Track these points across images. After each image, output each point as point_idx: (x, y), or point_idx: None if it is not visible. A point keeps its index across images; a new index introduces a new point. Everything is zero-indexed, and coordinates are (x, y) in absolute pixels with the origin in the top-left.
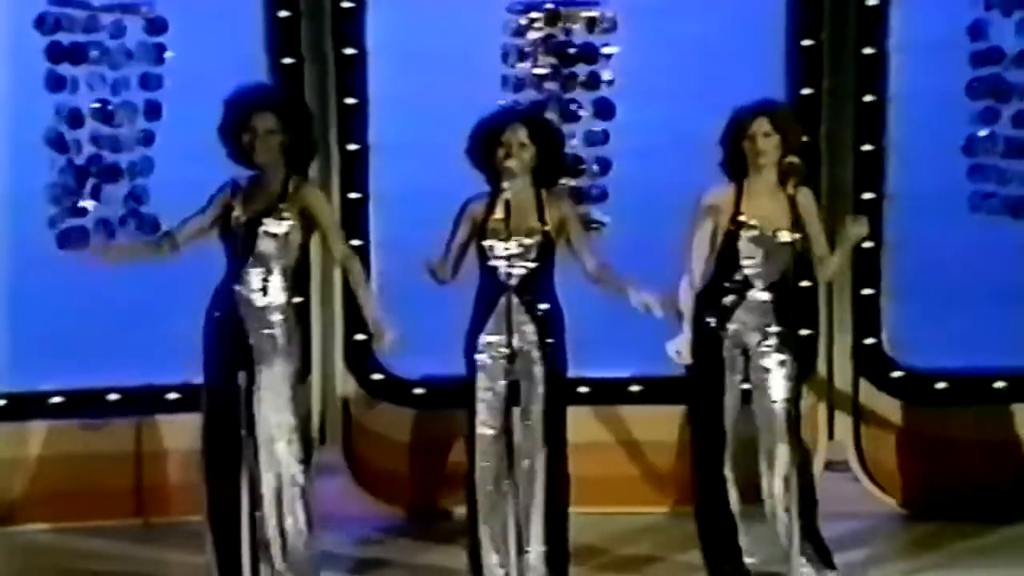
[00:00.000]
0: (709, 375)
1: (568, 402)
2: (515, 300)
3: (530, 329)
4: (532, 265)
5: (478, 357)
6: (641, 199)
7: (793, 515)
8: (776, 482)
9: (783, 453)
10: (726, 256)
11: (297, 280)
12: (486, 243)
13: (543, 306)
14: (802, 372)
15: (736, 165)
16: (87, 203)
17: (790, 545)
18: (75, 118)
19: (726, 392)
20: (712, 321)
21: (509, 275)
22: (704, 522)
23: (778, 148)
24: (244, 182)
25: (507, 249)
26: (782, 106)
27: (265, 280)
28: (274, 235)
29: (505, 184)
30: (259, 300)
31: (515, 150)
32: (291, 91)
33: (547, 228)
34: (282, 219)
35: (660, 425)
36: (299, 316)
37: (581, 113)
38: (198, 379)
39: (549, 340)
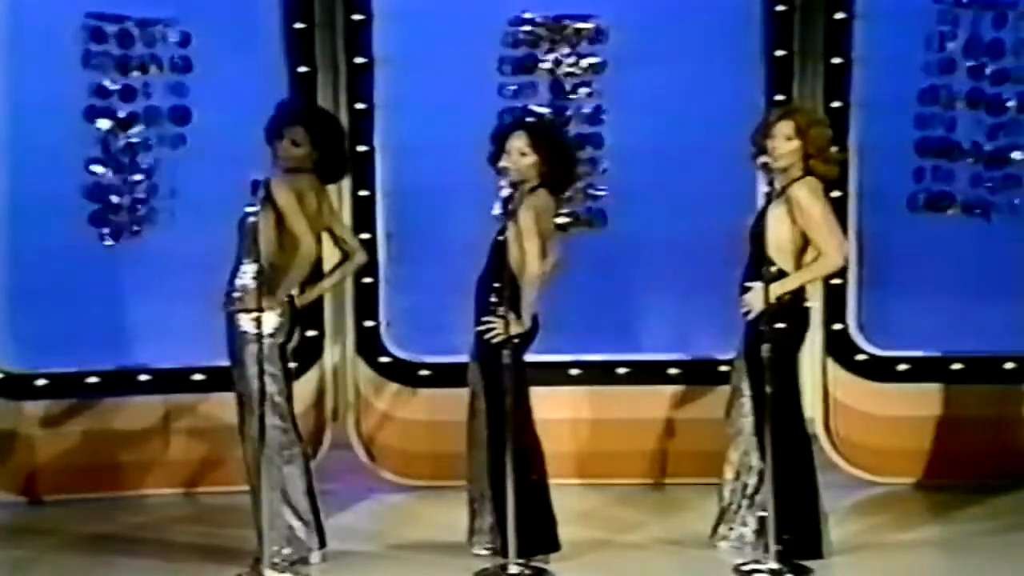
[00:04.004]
0: (795, 354)
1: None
2: None
3: None
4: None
5: None
6: (628, 199)
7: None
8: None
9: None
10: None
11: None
12: None
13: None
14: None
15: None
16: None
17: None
18: (110, 120)
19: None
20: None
21: None
22: (792, 492)
23: (798, 151)
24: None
25: None
26: (805, 109)
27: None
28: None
29: (502, 182)
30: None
31: (514, 156)
32: (322, 109)
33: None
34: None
35: (648, 404)
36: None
37: (574, 118)
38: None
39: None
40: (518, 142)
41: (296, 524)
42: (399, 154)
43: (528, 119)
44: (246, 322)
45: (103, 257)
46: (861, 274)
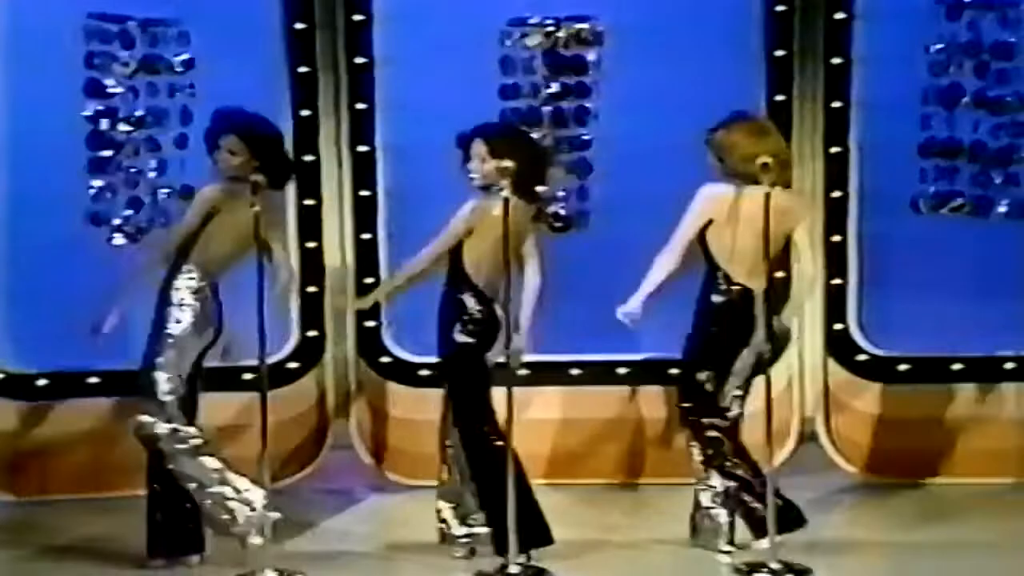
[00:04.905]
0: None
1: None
2: None
3: None
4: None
5: None
6: (629, 199)
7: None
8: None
9: None
10: None
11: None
12: None
13: None
14: None
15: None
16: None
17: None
18: (112, 120)
19: None
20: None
21: None
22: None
23: (722, 164)
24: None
25: None
26: (720, 124)
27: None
28: None
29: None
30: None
31: (476, 163)
32: (257, 117)
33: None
34: None
35: (647, 404)
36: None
37: (570, 120)
38: None
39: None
40: (478, 148)
41: (244, 499)
42: (399, 154)
43: (486, 124)
44: (173, 325)
45: (103, 257)
46: (861, 274)
